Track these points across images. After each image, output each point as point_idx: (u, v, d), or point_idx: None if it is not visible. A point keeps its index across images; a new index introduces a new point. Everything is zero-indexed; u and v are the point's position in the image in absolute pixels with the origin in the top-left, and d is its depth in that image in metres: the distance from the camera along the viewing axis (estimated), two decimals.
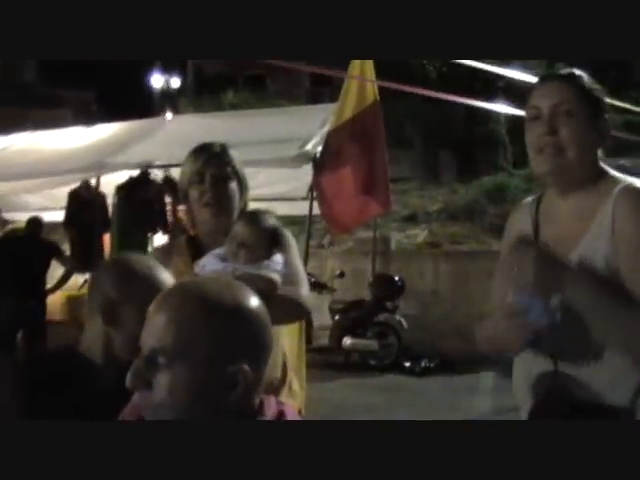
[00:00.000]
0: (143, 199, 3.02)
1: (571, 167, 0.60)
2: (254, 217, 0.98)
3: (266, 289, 0.85)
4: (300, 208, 3.39)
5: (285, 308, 0.93)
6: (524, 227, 0.73)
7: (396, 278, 4.32)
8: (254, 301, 0.53)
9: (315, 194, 3.09)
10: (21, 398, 0.65)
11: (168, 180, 3.06)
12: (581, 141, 0.60)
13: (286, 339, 1.09)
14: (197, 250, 1.07)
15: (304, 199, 3.45)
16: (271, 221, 0.99)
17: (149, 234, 3.18)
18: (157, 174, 3.09)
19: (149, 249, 3.37)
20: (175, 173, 3.08)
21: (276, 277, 0.92)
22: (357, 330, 4.09)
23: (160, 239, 3.42)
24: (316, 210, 3.13)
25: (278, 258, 0.96)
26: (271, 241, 0.97)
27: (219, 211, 1.04)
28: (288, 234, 1.06)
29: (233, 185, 1.06)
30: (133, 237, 3.05)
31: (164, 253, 1.12)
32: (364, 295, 4.31)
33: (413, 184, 6.56)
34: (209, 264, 0.94)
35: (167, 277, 0.76)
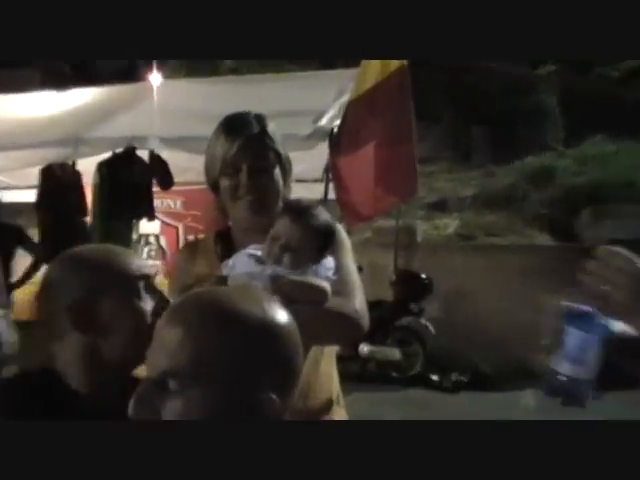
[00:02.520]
0: (128, 180, 3.00)
1: None
2: (303, 212, 0.94)
3: (317, 301, 0.85)
4: (313, 191, 3.37)
5: (336, 325, 0.90)
6: None
7: (422, 276, 4.24)
8: (283, 316, 0.52)
9: (331, 176, 3.09)
10: None
11: (156, 159, 3.04)
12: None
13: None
14: (227, 249, 1.05)
15: (318, 181, 3.44)
16: (323, 216, 0.96)
17: (133, 221, 3.18)
18: (144, 152, 3.09)
19: (133, 237, 3.41)
20: (164, 152, 3.08)
21: (328, 287, 0.90)
22: (376, 336, 4.02)
23: (147, 227, 3.44)
24: (332, 194, 3.13)
25: (329, 262, 0.94)
26: (322, 241, 0.95)
27: (259, 207, 1.02)
28: (343, 232, 1.05)
29: (276, 174, 1.03)
30: (115, 224, 3.03)
31: (190, 251, 1.10)
32: (384, 295, 4.26)
33: (441, 165, 6.43)
34: (241, 265, 0.92)
35: (142, 263, 0.71)
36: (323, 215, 0.96)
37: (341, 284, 0.95)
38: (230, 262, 0.94)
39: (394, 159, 2.83)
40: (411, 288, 4.20)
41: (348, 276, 0.99)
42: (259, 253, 0.94)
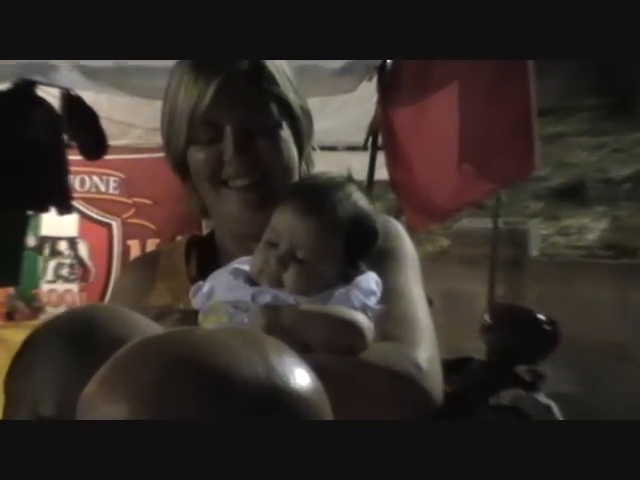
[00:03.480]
0: (20, 140, 2.67)
1: None
2: (319, 197, 0.96)
3: (348, 348, 0.89)
4: (349, 165, 3.01)
5: (385, 393, 0.92)
6: None
7: (540, 316, 3.77)
8: (301, 380, 0.53)
9: (381, 142, 3.13)
10: None
11: (73, 105, 2.73)
12: None
13: None
14: (208, 266, 1.09)
15: (356, 149, 3.42)
16: (359, 203, 0.97)
17: (29, 213, 2.88)
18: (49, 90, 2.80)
19: (29, 243, 3.22)
20: (89, 93, 2.83)
21: (367, 323, 0.91)
22: (456, 419, 3.68)
23: (55, 225, 3.18)
24: (382, 172, 3.14)
25: (370, 281, 0.95)
26: (357, 246, 0.97)
27: (258, 197, 1.05)
28: (400, 234, 1.10)
29: (284, 138, 1.06)
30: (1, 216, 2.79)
31: (142, 270, 1.17)
32: (471, 348, 3.89)
33: (578, 122, 5.78)
34: (221, 289, 0.95)
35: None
36: (359, 201, 0.98)
37: (395, 321, 0.98)
38: (205, 287, 0.96)
39: (495, 115, 2.81)
40: (520, 337, 3.72)
41: (408, 308, 1.02)
42: (247, 268, 0.97)
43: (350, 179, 1.02)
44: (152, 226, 3.66)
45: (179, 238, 1.35)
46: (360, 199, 1.00)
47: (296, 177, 1.10)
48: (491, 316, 3.86)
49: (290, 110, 1.08)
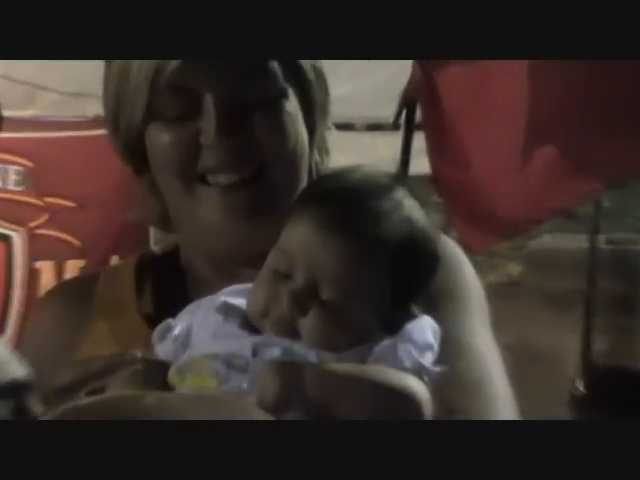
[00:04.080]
0: None
1: None
2: (353, 204, 0.96)
3: (404, 416, 0.91)
4: (375, 148, 3.40)
5: None
6: None
7: None
8: None
9: (422, 123, 3.18)
10: None
11: None
12: None
13: None
14: (169, 294, 1.15)
15: (386, 128, 3.47)
16: (413, 216, 0.97)
17: None
18: None
19: None
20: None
21: (421, 391, 0.90)
22: None
23: None
24: (421, 165, 3.11)
25: (424, 331, 0.95)
26: (406, 279, 0.97)
27: (251, 203, 1.08)
28: (461, 260, 1.16)
29: (289, 113, 1.09)
30: None
31: (70, 301, 1.21)
32: None
33: None
34: (204, 333, 0.95)
35: None
36: (413, 213, 0.99)
37: (460, 388, 1.01)
38: (178, 328, 0.97)
39: (596, 89, 2.87)
40: (629, 416, 3.38)
41: (477, 369, 1.06)
42: (242, 303, 1.00)
43: (399, 178, 1.02)
44: (74, 240, 3.40)
45: (116, 260, 1.50)
46: (415, 210, 0.97)
47: (304, 170, 1.12)
48: (586, 382, 3.75)
49: (299, 72, 1.10)
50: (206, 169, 1.08)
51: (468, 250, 3.03)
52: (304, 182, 1.14)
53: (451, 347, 1.01)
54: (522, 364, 3.62)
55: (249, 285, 1.01)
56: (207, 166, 1.08)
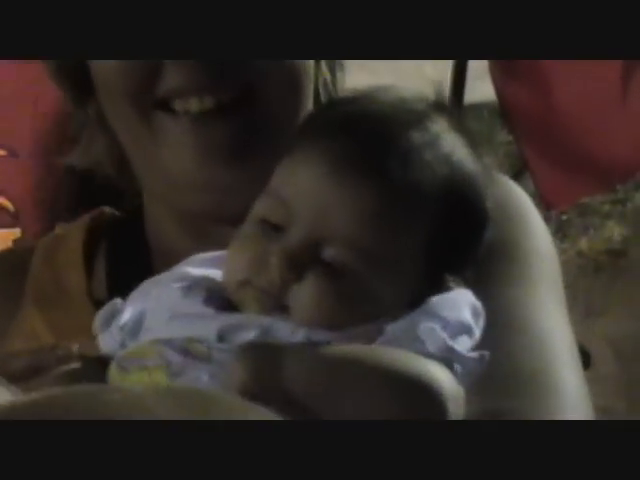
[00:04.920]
0: None
1: None
2: (390, 140, 0.98)
3: (422, 415, 0.90)
4: (420, 69, 3.69)
5: None
6: None
7: None
8: None
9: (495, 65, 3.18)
10: None
11: None
12: None
13: None
14: (129, 268, 1.19)
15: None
16: (460, 155, 0.99)
17: None
18: None
19: None
20: None
21: (447, 385, 0.92)
22: None
23: None
24: (479, 91, 3.36)
25: (458, 306, 0.97)
26: (453, 242, 1.00)
27: (233, 138, 1.10)
28: (528, 214, 1.19)
29: None
30: None
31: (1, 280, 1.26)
32: None
33: None
34: (159, 315, 0.98)
35: None
36: (457, 152, 1.00)
37: (511, 385, 1.03)
38: (128, 311, 1.01)
39: None
40: None
41: (538, 358, 1.07)
42: (216, 274, 1.01)
43: (440, 104, 1.01)
44: (6, 203, 3.31)
45: (62, 226, 1.40)
46: (458, 148, 0.98)
47: (308, 91, 1.14)
48: None
49: None
50: (170, 91, 1.09)
51: (550, 205, 3.19)
52: (307, 108, 1.13)
53: (502, 325, 1.04)
54: (624, 364, 3.70)
55: (221, 252, 1.00)
56: (171, 87, 1.08)
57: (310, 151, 0.98)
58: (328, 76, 1.20)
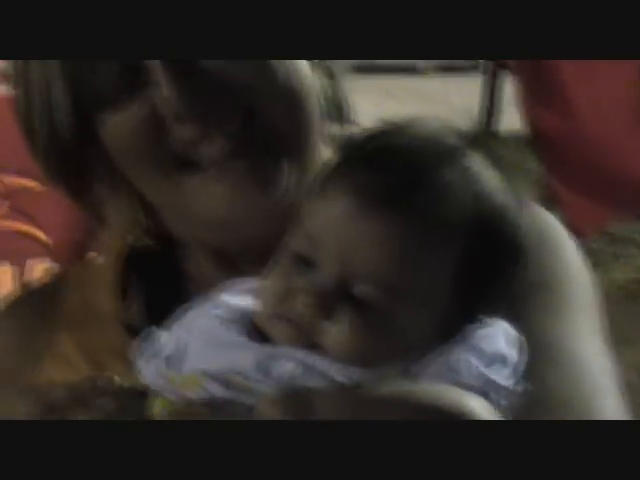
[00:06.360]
0: None
1: None
2: (419, 176, 0.97)
3: None
4: (445, 92, 4.16)
5: None
6: None
7: None
8: None
9: (521, 70, 3.23)
10: None
11: None
12: None
13: None
14: (162, 296, 1.19)
15: (462, 69, 4.44)
16: (491, 188, 0.99)
17: None
18: None
19: None
20: None
21: (479, 411, 0.92)
22: None
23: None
24: (506, 119, 3.44)
25: (495, 338, 0.97)
26: (483, 275, 0.99)
27: (253, 173, 1.10)
28: (562, 241, 1.18)
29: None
30: None
31: (31, 307, 1.28)
32: None
33: None
34: (197, 345, 0.98)
35: None
36: (486, 185, 0.99)
37: (554, 413, 1.03)
38: (172, 340, 0.98)
39: None
40: None
41: (576, 388, 1.06)
42: (251, 303, 1.00)
43: (469, 136, 1.00)
44: (37, 233, 3.29)
45: (94, 253, 1.37)
46: (489, 180, 0.97)
47: (313, 105, 1.13)
48: None
49: None
50: (181, 144, 1.09)
51: (579, 231, 3.08)
52: (315, 120, 1.14)
53: (539, 354, 1.02)
54: None
55: (255, 280, 1.01)
56: (182, 140, 1.09)
57: (337, 188, 0.97)
58: (326, 81, 1.19)
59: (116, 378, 1.00)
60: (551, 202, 2.82)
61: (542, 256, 1.13)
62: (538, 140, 3.08)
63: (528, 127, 3.07)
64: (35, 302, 1.28)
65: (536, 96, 3.06)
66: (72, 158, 1.14)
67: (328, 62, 1.22)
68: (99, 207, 1.21)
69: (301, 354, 0.93)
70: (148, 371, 0.97)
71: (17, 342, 1.24)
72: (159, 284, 1.22)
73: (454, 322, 0.96)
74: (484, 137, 1.16)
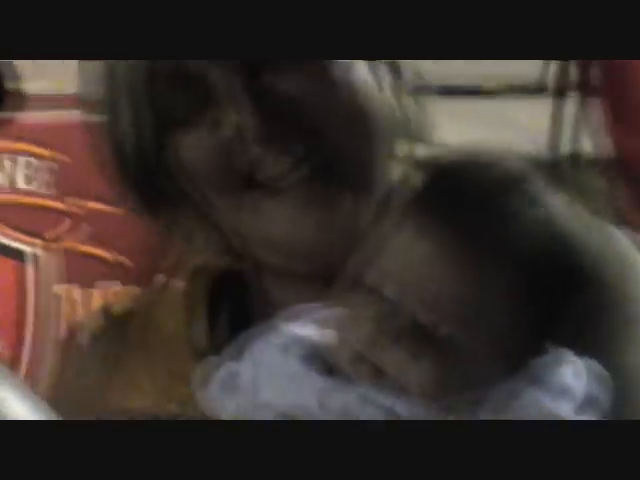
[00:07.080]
0: None
1: None
2: (489, 210, 1.01)
3: None
4: (504, 116, 3.70)
5: None
6: None
7: None
8: None
9: (606, 89, 3.22)
10: None
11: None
12: None
13: None
14: (234, 319, 1.22)
15: (528, 92, 3.64)
16: (560, 216, 0.99)
17: None
18: None
19: None
20: None
21: None
22: None
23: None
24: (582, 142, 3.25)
25: (561, 371, 0.99)
26: (550, 307, 1.00)
27: (327, 195, 1.13)
28: (635, 260, 1.16)
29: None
30: None
31: (112, 341, 1.30)
32: None
33: None
34: (260, 376, 1.01)
35: None
36: (554, 213, 0.99)
37: None
38: (246, 373, 1.01)
39: None
40: None
41: None
42: (314, 331, 1.03)
43: (539, 161, 1.04)
44: (110, 257, 3.24)
45: (163, 277, 1.46)
46: (559, 208, 0.99)
47: (381, 138, 1.12)
48: None
49: None
50: (249, 167, 1.11)
51: None
52: (382, 151, 1.15)
53: (620, 388, 1.00)
54: None
55: (317, 306, 1.02)
56: (250, 162, 1.11)
57: (416, 227, 1.00)
58: (404, 99, 1.20)
59: (175, 409, 1.07)
60: (633, 228, 2.81)
61: (619, 284, 1.11)
62: (622, 164, 3.09)
63: (613, 151, 3.09)
64: (121, 330, 1.31)
65: (623, 119, 3.08)
66: (160, 184, 1.17)
67: (408, 80, 1.22)
68: (185, 233, 1.22)
69: (362, 389, 0.96)
70: (229, 406, 0.99)
71: (105, 372, 1.26)
72: (227, 308, 1.25)
73: (524, 353, 0.98)
74: (563, 163, 1.17)
